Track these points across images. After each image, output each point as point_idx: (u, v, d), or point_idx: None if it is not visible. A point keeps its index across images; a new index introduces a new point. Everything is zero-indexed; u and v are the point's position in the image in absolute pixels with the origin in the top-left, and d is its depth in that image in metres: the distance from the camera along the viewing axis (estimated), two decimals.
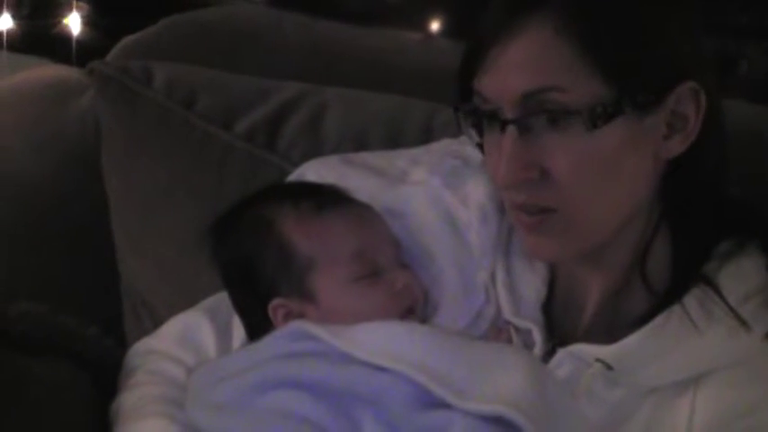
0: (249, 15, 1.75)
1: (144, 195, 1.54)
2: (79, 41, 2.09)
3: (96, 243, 1.57)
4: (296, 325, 1.11)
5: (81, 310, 1.30)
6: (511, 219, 1.14)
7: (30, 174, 1.56)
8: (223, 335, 1.25)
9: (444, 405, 1.00)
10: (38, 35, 2.13)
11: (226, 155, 1.51)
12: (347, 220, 1.18)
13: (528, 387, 1.00)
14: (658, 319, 1.07)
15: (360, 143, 1.50)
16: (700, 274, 1.08)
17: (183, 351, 1.24)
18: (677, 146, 1.07)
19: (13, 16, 2.12)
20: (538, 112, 1.04)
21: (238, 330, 1.24)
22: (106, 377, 1.24)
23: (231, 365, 1.14)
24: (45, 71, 1.77)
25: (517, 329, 1.16)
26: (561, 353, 1.11)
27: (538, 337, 1.14)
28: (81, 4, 2.12)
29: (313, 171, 1.34)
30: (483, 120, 1.11)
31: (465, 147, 1.24)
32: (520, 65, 1.04)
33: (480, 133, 1.13)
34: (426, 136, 1.47)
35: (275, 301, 1.16)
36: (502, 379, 1.01)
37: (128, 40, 1.73)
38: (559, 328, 1.16)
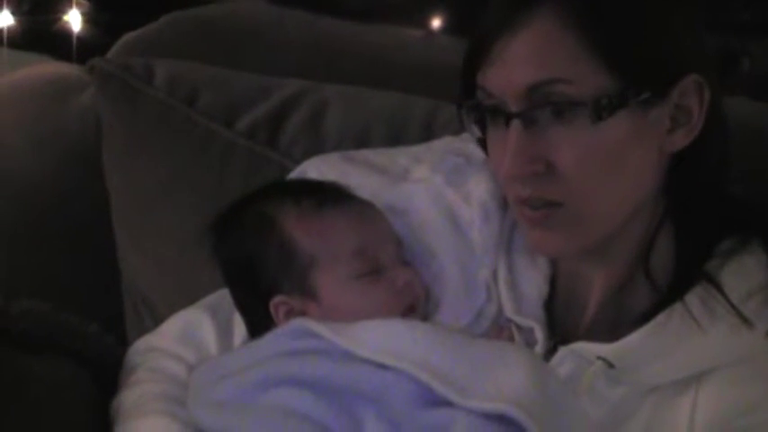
0: (250, 12, 1.75)
1: (145, 193, 1.54)
2: (80, 38, 2.09)
3: (97, 241, 1.57)
4: (297, 322, 1.11)
5: (81, 308, 1.30)
6: (515, 214, 1.14)
7: (30, 171, 1.56)
8: (224, 332, 1.25)
9: (446, 403, 1.00)
10: (38, 32, 2.13)
11: (227, 152, 1.51)
12: (349, 217, 1.18)
13: (530, 385, 1.00)
14: (660, 317, 1.07)
15: (361, 140, 1.50)
16: (702, 272, 1.08)
17: (184, 349, 1.24)
18: (681, 139, 1.08)
19: (14, 13, 2.12)
20: (543, 105, 1.04)
21: (239, 328, 1.24)
22: (107, 375, 1.24)
23: (232, 363, 1.14)
24: (45, 68, 1.77)
25: (519, 327, 1.16)
26: (563, 351, 1.11)
27: (539, 335, 1.14)
28: (81, 0, 2.11)
29: (314, 168, 1.34)
30: (486, 115, 1.11)
31: (467, 144, 1.24)
32: (525, 57, 1.04)
33: (483, 129, 1.13)
34: (428, 133, 1.47)
35: (276, 299, 1.16)
36: (504, 377, 1.01)
37: (128, 36, 1.73)
38: (561, 326, 1.16)
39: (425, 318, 1.17)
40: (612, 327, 1.12)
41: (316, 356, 1.07)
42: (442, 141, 1.34)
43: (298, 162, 1.40)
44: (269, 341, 1.12)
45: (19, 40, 2.10)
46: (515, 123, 1.05)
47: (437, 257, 1.20)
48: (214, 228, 1.21)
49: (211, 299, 1.29)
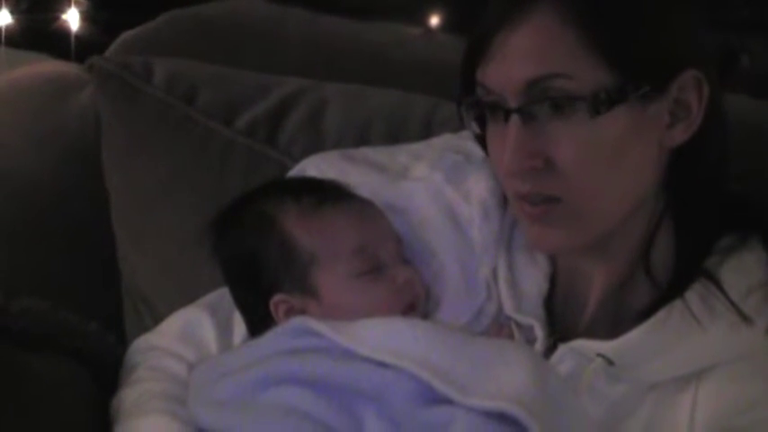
0: (249, 10, 1.74)
1: (144, 191, 1.54)
2: (78, 37, 2.08)
3: (96, 239, 1.57)
4: (298, 321, 1.11)
5: (81, 307, 1.30)
6: (514, 210, 1.14)
7: (29, 170, 1.55)
8: (224, 331, 1.25)
9: (447, 401, 1.00)
10: (36, 31, 2.12)
11: (226, 150, 1.51)
12: (348, 215, 1.18)
13: (530, 383, 1.00)
14: (660, 315, 1.07)
15: (360, 138, 1.49)
16: (701, 269, 1.08)
17: (185, 347, 1.24)
18: (680, 134, 1.08)
19: (12, 11, 2.11)
20: (541, 100, 1.04)
21: (239, 326, 1.24)
22: (107, 374, 1.24)
23: (233, 362, 1.14)
24: (44, 67, 1.77)
25: (519, 325, 1.16)
26: (563, 348, 1.11)
27: (539, 332, 1.14)
28: None
29: (314, 167, 1.34)
30: (486, 111, 1.11)
31: (466, 142, 1.24)
32: (524, 53, 1.04)
33: (482, 126, 1.13)
34: (427, 131, 1.47)
35: (277, 297, 1.16)
36: (504, 375, 1.01)
37: (127, 35, 1.72)
38: (561, 324, 1.16)
39: (425, 316, 1.17)
40: (612, 324, 1.12)
41: (316, 355, 1.07)
42: (441, 139, 1.34)
43: (297, 160, 1.40)
44: (269, 340, 1.12)
45: (17, 39, 2.10)
46: (514, 119, 1.05)
47: (437, 256, 1.20)
48: (214, 226, 1.21)
49: (211, 297, 1.29)
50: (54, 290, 1.39)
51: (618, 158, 1.06)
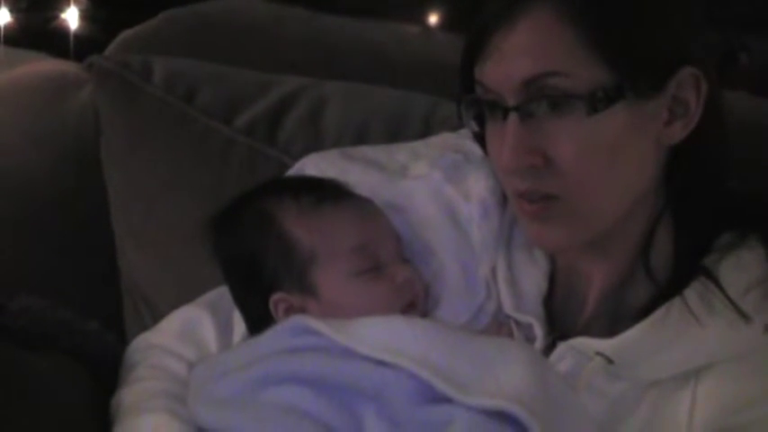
0: (248, 9, 1.74)
1: (144, 190, 1.54)
2: (77, 36, 2.09)
3: (96, 238, 1.57)
4: (297, 320, 1.11)
5: (80, 306, 1.30)
6: (513, 208, 1.14)
7: (28, 169, 1.55)
8: (224, 329, 1.25)
9: (446, 400, 1.00)
10: (35, 29, 2.13)
11: (226, 149, 1.51)
12: (348, 214, 1.18)
13: (530, 382, 1.00)
14: (658, 313, 1.07)
15: (360, 137, 1.50)
16: (700, 267, 1.08)
17: (184, 346, 1.24)
18: (679, 132, 1.08)
19: (11, 10, 2.12)
20: (539, 98, 1.04)
21: (239, 325, 1.24)
22: (106, 372, 1.24)
23: (232, 360, 1.14)
24: (43, 65, 1.76)
25: (518, 324, 1.16)
26: (562, 347, 1.11)
27: (539, 331, 1.14)
28: None
29: (313, 165, 1.34)
30: (485, 109, 1.11)
31: (465, 141, 1.24)
32: (521, 51, 1.04)
33: (481, 125, 1.13)
34: (426, 129, 1.47)
35: (276, 296, 1.16)
36: (504, 374, 1.01)
37: (126, 34, 1.72)
38: (560, 322, 1.16)
39: (425, 315, 1.17)
40: (611, 322, 1.12)
41: (315, 354, 1.07)
42: (440, 138, 1.35)
43: (296, 159, 1.40)
44: (269, 338, 1.12)
45: (17, 38, 2.10)
46: (512, 117, 1.06)
47: (436, 254, 1.20)
48: (213, 225, 1.21)
49: (211, 296, 1.29)
50: (53, 288, 1.39)
51: (616, 156, 1.06)
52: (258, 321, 1.17)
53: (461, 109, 1.13)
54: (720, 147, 1.12)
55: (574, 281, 1.17)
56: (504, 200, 1.19)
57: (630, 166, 1.07)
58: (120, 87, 1.56)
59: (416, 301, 1.16)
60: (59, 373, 1.20)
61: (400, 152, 1.33)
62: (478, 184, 1.21)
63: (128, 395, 1.19)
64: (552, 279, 1.18)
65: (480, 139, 1.15)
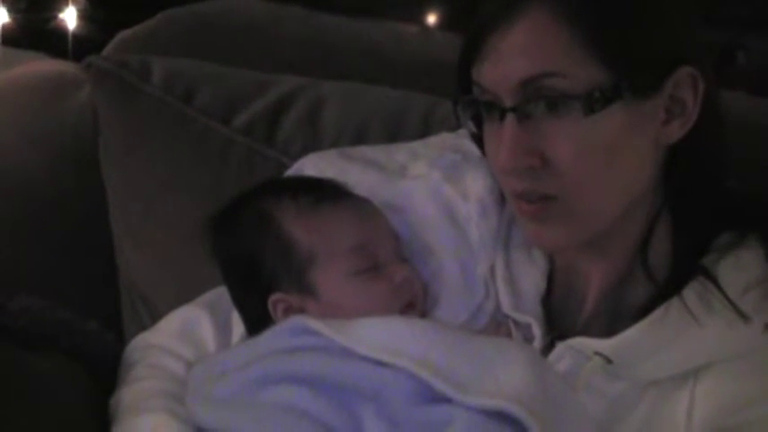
0: (246, 9, 1.74)
1: (142, 190, 1.54)
2: (75, 36, 2.09)
3: (94, 238, 1.57)
4: (296, 320, 1.11)
5: (78, 306, 1.30)
6: (512, 209, 1.14)
7: (27, 169, 1.55)
8: (223, 329, 1.25)
9: (445, 400, 1.00)
10: (34, 29, 2.13)
11: (224, 149, 1.51)
12: (347, 214, 1.18)
13: (529, 381, 1.00)
14: (657, 312, 1.07)
15: (358, 137, 1.50)
16: (699, 266, 1.08)
17: (183, 346, 1.24)
18: (676, 131, 1.08)
19: (9, 10, 2.12)
20: (536, 99, 1.04)
21: (238, 325, 1.24)
22: (105, 372, 1.24)
23: (231, 360, 1.14)
24: (42, 66, 1.76)
25: (516, 323, 1.16)
26: (560, 346, 1.11)
27: (537, 330, 1.14)
28: None
29: (312, 165, 1.34)
30: (482, 110, 1.11)
31: (464, 140, 1.24)
32: (518, 51, 1.04)
33: (479, 125, 1.13)
34: (425, 129, 1.47)
35: (275, 296, 1.16)
36: (503, 373, 1.01)
37: (124, 34, 1.72)
38: (559, 322, 1.16)
39: (424, 314, 1.17)
40: (610, 321, 1.12)
41: (314, 354, 1.07)
42: (438, 137, 1.35)
43: (295, 159, 1.40)
44: (267, 338, 1.12)
45: (15, 38, 2.10)
46: (510, 118, 1.06)
47: (435, 254, 1.20)
48: (212, 225, 1.21)
49: (210, 296, 1.29)
50: (52, 288, 1.39)
51: (614, 156, 1.06)
52: (257, 321, 1.17)
53: (458, 110, 1.13)
54: (718, 146, 1.12)
55: (572, 280, 1.17)
56: (502, 199, 1.19)
57: (628, 165, 1.07)
58: (118, 87, 1.56)
59: (415, 301, 1.16)
60: (59, 372, 1.20)
61: (399, 152, 1.33)
62: (477, 184, 1.21)
63: (126, 395, 1.19)
64: (551, 278, 1.18)
65: (478, 139, 1.15)
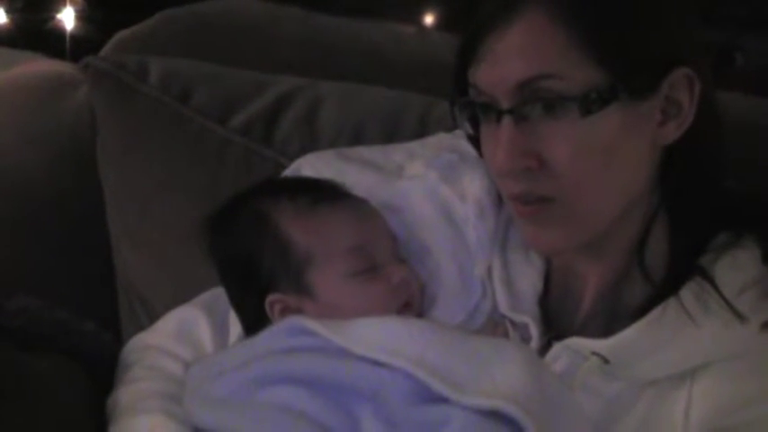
0: (244, 9, 1.74)
1: (140, 190, 1.54)
2: (73, 36, 2.09)
3: (92, 238, 1.57)
4: (293, 320, 1.11)
5: (76, 306, 1.30)
6: (509, 210, 1.14)
7: (24, 169, 1.55)
8: (220, 330, 1.25)
9: (443, 400, 1.00)
10: (31, 30, 2.13)
11: (222, 149, 1.51)
12: (344, 214, 1.18)
13: (526, 381, 1.00)
14: (654, 312, 1.07)
15: (356, 137, 1.50)
16: (696, 267, 1.08)
17: (180, 346, 1.24)
18: (673, 132, 1.08)
19: (7, 11, 2.12)
20: (533, 101, 1.04)
21: (235, 326, 1.24)
22: (103, 372, 1.24)
23: (228, 360, 1.14)
24: (39, 66, 1.76)
25: (514, 324, 1.16)
26: (557, 346, 1.11)
27: (534, 331, 1.14)
28: None
29: (309, 165, 1.34)
30: (479, 112, 1.11)
31: (461, 141, 1.24)
32: (515, 53, 1.04)
33: (476, 127, 1.13)
34: (422, 129, 1.47)
35: (272, 297, 1.16)
36: (500, 373, 1.01)
37: (122, 34, 1.72)
38: (556, 322, 1.16)
39: (421, 315, 1.17)
40: (607, 322, 1.12)
41: (311, 354, 1.07)
42: (436, 138, 1.35)
43: (292, 159, 1.40)
44: (264, 339, 1.12)
45: (12, 38, 2.10)
46: (506, 119, 1.05)
47: (432, 254, 1.20)
48: (209, 225, 1.21)
49: (207, 296, 1.29)
50: (50, 288, 1.40)
51: (610, 157, 1.06)
52: (254, 322, 1.17)
53: (455, 111, 1.13)
54: (715, 146, 1.12)
55: (569, 281, 1.17)
56: (499, 200, 1.19)
57: (625, 166, 1.07)
58: (115, 88, 1.56)
59: (412, 302, 1.16)
60: (56, 372, 1.20)
61: (396, 152, 1.33)
62: (474, 184, 1.21)
63: (124, 395, 1.19)
64: (548, 279, 1.18)
65: (475, 141, 1.15)
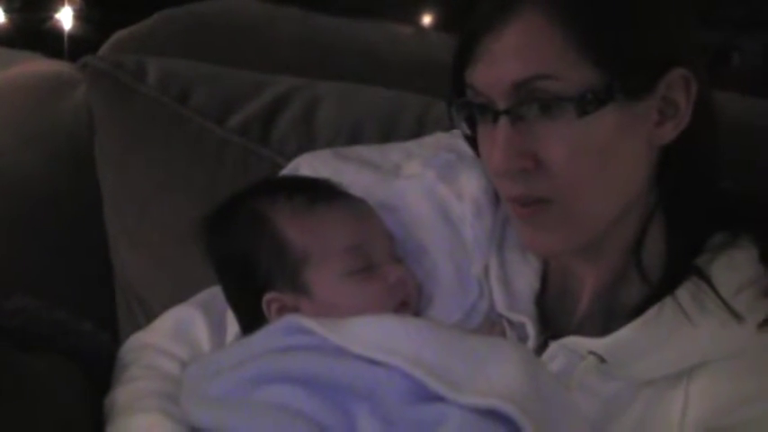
0: (242, 9, 1.74)
1: (138, 190, 1.54)
2: (71, 36, 2.09)
3: (90, 238, 1.57)
4: (290, 319, 1.11)
5: (74, 306, 1.29)
6: (507, 210, 1.14)
7: (22, 169, 1.55)
8: (217, 329, 1.25)
9: (439, 399, 1.00)
10: (30, 29, 2.13)
11: (220, 149, 1.51)
12: (341, 214, 1.18)
13: (523, 381, 1.00)
14: (651, 312, 1.07)
15: (353, 137, 1.50)
16: (692, 267, 1.08)
17: (178, 346, 1.24)
18: (669, 132, 1.08)
19: (5, 10, 2.12)
20: (530, 101, 1.04)
21: (232, 325, 1.24)
22: (101, 372, 1.24)
23: (225, 360, 1.14)
24: (37, 66, 1.76)
25: (510, 323, 1.16)
26: (554, 346, 1.11)
27: (531, 330, 1.14)
28: None
29: (307, 165, 1.34)
30: (476, 112, 1.11)
31: (458, 140, 1.24)
32: (511, 54, 1.04)
33: (473, 127, 1.13)
34: (420, 129, 1.47)
35: (269, 296, 1.16)
36: (496, 372, 1.01)
37: (120, 34, 1.72)
38: (553, 321, 1.16)
39: (418, 314, 1.17)
40: (604, 321, 1.12)
41: (308, 353, 1.07)
42: (433, 137, 1.35)
43: (290, 159, 1.40)
44: (261, 337, 1.12)
45: (11, 38, 2.10)
46: (503, 120, 1.06)
47: (429, 253, 1.20)
48: (207, 225, 1.21)
49: (204, 296, 1.29)
50: (48, 288, 1.39)
51: (607, 157, 1.06)
52: (251, 321, 1.17)
53: (452, 111, 1.13)
54: (712, 147, 1.12)
55: (566, 280, 1.17)
56: (496, 199, 1.19)
57: (622, 167, 1.07)
58: (113, 88, 1.56)
59: (409, 301, 1.17)
60: (54, 373, 1.19)
61: (394, 152, 1.33)
62: (471, 184, 1.21)
63: (121, 395, 1.19)
64: (545, 278, 1.18)
65: (472, 141, 1.16)
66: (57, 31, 2.10)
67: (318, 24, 1.71)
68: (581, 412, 1.06)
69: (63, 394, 1.19)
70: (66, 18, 2.10)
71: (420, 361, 1.02)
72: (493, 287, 1.17)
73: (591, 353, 1.08)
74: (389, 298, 1.15)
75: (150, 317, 1.39)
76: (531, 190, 1.07)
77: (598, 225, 1.09)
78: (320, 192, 1.20)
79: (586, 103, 1.03)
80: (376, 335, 1.06)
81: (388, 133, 1.48)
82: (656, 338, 1.07)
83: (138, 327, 1.38)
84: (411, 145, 1.34)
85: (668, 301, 1.07)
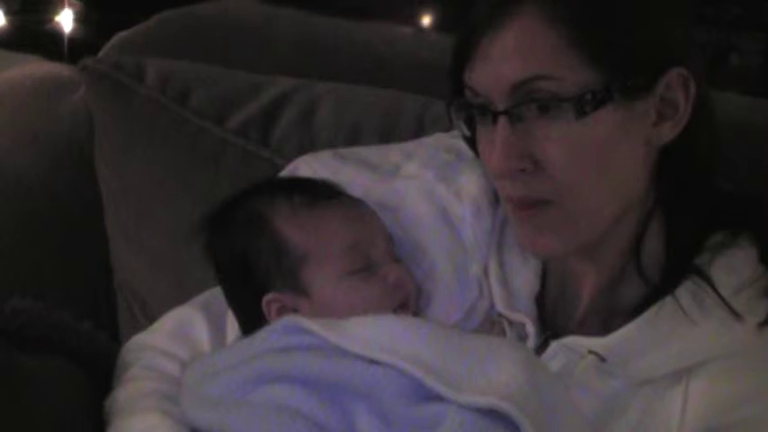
0: (241, 10, 1.75)
1: (137, 191, 1.54)
2: (71, 38, 2.09)
3: (89, 239, 1.57)
4: (289, 319, 1.11)
5: (74, 307, 1.30)
6: (506, 211, 1.14)
7: (22, 170, 1.56)
8: (217, 330, 1.25)
9: (438, 398, 1.00)
10: (30, 32, 2.13)
11: (219, 150, 1.51)
12: (340, 214, 1.18)
13: (522, 380, 1.00)
14: (651, 311, 1.07)
15: (352, 137, 1.50)
16: (692, 266, 1.08)
17: (178, 346, 1.24)
18: (668, 132, 1.08)
19: (5, 13, 2.12)
20: (528, 102, 1.04)
21: (232, 326, 1.24)
22: (101, 373, 1.24)
23: (225, 360, 1.14)
24: (37, 68, 1.77)
25: (510, 322, 1.16)
26: (554, 345, 1.11)
27: (531, 329, 1.14)
28: (73, 0, 2.11)
29: (306, 166, 1.34)
30: (474, 113, 1.11)
31: (457, 141, 1.24)
32: (510, 54, 1.04)
33: (472, 128, 1.13)
34: (419, 130, 1.47)
35: (269, 296, 1.16)
36: (495, 372, 1.01)
37: (120, 36, 1.72)
38: (553, 321, 1.16)
39: (417, 314, 1.17)
40: (604, 320, 1.12)
41: (307, 353, 1.08)
42: (432, 138, 1.35)
43: (289, 159, 1.40)
44: (261, 338, 1.12)
45: (11, 40, 2.10)
46: (502, 121, 1.06)
47: (428, 254, 1.20)
48: (206, 225, 1.21)
49: (204, 296, 1.29)
50: (47, 289, 1.40)
51: (606, 157, 1.06)
52: (251, 321, 1.17)
53: (451, 112, 1.13)
54: (710, 146, 1.12)
55: (566, 280, 1.17)
56: (496, 200, 1.19)
57: (621, 167, 1.07)
58: (113, 89, 1.56)
59: (408, 301, 1.17)
60: (54, 374, 1.20)
61: (393, 152, 1.33)
62: (470, 184, 1.21)
63: (121, 395, 1.19)
64: (544, 278, 1.18)
65: (471, 142, 1.16)
66: (57, 34, 2.10)
67: (318, 25, 1.72)
68: (580, 411, 1.06)
69: (63, 395, 1.19)
70: (66, 20, 2.10)
71: (419, 360, 1.02)
72: (492, 287, 1.17)
73: (591, 352, 1.08)
74: (389, 298, 1.15)
75: (150, 318, 1.40)
76: (531, 191, 1.07)
77: (597, 225, 1.09)
78: (319, 192, 1.20)
79: (585, 104, 1.03)
80: (375, 335, 1.06)
81: (388, 134, 1.48)
82: (656, 338, 1.07)
83: (138, 328, 1.38)
84: (410, 145, 1.34)
85: (668, 300, 1.07)
